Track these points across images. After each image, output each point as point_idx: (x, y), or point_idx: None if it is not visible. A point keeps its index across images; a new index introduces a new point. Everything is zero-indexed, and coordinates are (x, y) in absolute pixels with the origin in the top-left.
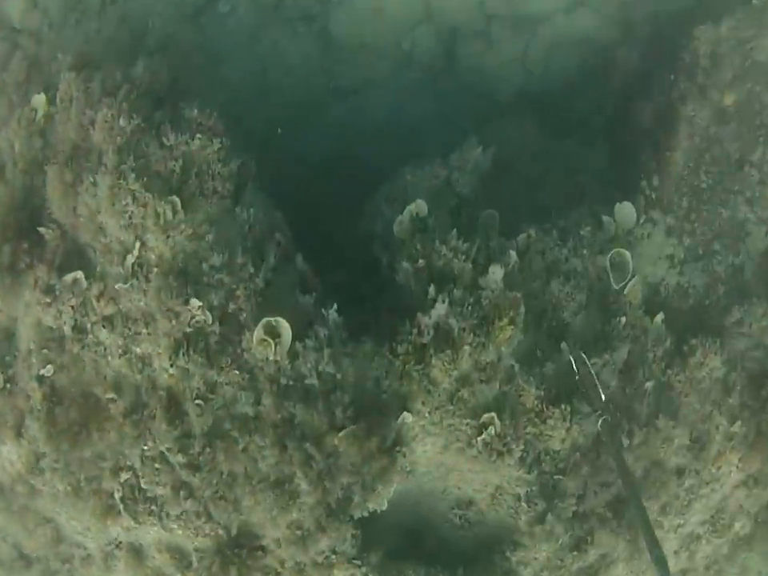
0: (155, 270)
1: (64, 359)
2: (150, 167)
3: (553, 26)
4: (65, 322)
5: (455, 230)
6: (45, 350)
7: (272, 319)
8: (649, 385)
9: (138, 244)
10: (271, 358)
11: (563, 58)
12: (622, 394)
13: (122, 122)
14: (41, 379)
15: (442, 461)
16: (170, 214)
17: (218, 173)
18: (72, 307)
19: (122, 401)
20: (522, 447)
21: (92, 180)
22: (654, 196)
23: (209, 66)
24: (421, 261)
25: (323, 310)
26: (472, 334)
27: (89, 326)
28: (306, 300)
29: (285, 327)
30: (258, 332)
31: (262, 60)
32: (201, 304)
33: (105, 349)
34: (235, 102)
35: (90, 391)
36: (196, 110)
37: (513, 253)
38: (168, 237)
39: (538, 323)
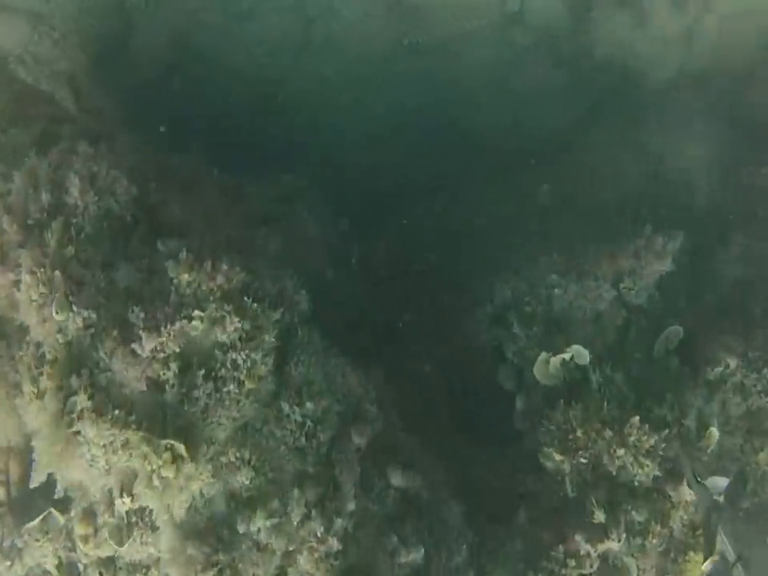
0: (163, 518)
1: None
2: (123, 390)
3: None
4: (46, 564)
5: (637, 417)
6: None
7: None
8: None
9: (126, 498)
10: None
11: (742, 36)
12: None
13: (57, 315)
14: None
15: None
16: (170, 472)
17: (243, 361)
18: (50, 550)
19: None
20: None
21: (33, 391)
22: None
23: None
24: (582, 458)
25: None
26: (654, 571)
27: (81, 567)
28: (411, 559)
29: None
30: None
31: (304, 14)
32: None
33: None
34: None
35: None
36: (188, 275)
37: (715, 431)
38: (172, 498)
39: (732, 505)
